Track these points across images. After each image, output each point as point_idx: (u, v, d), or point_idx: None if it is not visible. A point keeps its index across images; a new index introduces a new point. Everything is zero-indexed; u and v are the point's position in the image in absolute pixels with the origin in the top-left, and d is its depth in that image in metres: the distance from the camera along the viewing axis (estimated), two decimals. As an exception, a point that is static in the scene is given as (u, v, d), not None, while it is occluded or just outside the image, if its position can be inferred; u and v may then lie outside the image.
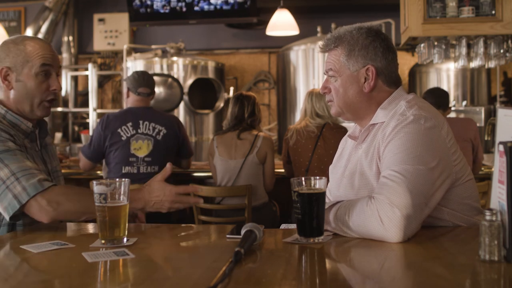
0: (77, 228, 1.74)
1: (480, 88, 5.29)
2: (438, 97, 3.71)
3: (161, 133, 3.56)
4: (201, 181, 4.07)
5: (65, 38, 6.41)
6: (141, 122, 3.55)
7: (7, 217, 1.63)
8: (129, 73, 5.27)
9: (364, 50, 1.61)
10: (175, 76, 5.31)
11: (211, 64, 5.52)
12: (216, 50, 6.35)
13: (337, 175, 1.73)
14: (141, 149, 3.52)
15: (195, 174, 4.11)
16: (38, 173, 1.64)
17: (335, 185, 1.73)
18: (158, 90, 5.35)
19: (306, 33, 5.41)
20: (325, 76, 1.70)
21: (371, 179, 1.55)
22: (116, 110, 3.83)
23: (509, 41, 3.60)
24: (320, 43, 1.70)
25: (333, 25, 4.98)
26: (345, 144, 1.79)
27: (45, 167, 1.84)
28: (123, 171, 3.48)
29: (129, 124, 3.52)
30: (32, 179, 1.61)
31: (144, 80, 3.62)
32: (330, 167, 1.82)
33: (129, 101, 3.66)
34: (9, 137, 1.69)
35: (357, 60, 1.62)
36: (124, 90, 3.74)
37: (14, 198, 1.60)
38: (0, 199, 1.62)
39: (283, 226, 1.77)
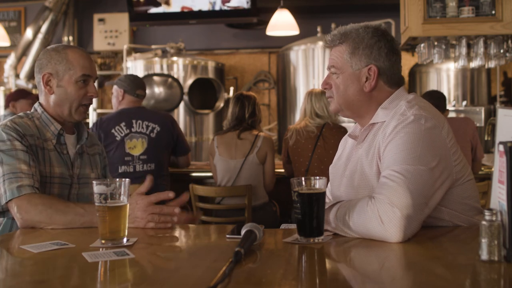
0: (77, 228, 1.73)
1: (480, 88, 5.29)
2: (436, 99, 3.70)
3: (155, 131, 3.58)
4: (201, 181, 4.06)
5: (65, 38, 6.41)
6: (134, 121, 3.57)
7: None
8: (129, 73, 5.26)
9: (369, 49, 1.61)
10: (175, 76, 5.30)
11: (211, 64, 5.51)
12: (216, 50, 6.34)
13: (337, 175, 1.73)
14: (136, 147, 3.54)
15: (195, 174, 4.11)
16: (23, 178, 1.72)
17: (335, 185, 1.73)
18: (158, 90, 5.35)
19: (306, 33, 5.41)
20: (326, 73, 1.70)
21: (371, 179, 1.55)
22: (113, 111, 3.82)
23: (509, 41, 3.60)
24: (326, 36, 1.69)
25: (333, 25, 4.98)
26: (345, 144, 1.79)
27: (67, 171, 1.90)
28: (119, 171, 3.50)
29: (122, 124, 3.55)
30: (14, 183, 1.70)
31: (140, 82, 3.71)
32: (330, 167, 1.81)
33: (123, 103, 3.66)
34: (17, 136, 1.78)
35: (360, 59, 1.61)
36: (116, 93, 3.67)
37: None
38: None
39: (283, 226, 1.77)
